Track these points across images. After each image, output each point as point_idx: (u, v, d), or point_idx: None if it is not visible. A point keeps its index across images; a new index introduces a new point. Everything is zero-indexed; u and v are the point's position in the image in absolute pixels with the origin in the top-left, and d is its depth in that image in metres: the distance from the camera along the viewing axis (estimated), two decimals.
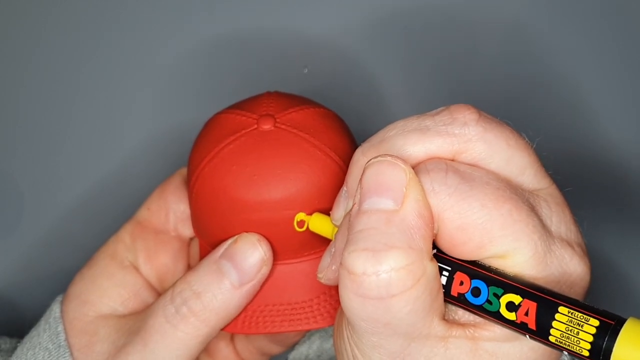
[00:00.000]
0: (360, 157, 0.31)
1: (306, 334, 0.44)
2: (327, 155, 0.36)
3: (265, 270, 0.36)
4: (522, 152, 0.30)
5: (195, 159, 0.38)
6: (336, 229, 0.33)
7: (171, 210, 0.41)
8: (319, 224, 0.35)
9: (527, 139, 0.30)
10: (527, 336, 0.27)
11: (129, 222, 0.42)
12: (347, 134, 0.39)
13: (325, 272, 0.32)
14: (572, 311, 0.26)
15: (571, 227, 0.30)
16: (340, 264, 0.28)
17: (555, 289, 0.28)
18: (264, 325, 0.37)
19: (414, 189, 0.28)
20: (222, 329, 0.37)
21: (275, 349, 0.44)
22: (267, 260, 0.36)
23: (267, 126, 0.37)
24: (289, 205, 0.36)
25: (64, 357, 0.37)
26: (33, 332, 0.39)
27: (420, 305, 0.27)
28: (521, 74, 0.48)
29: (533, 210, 0.29)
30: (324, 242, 0.36)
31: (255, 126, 0.37)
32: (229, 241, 0.36)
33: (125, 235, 0.41)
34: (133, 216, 0.42)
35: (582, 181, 0.47)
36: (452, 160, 0.30)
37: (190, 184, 0.38)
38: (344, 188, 0.33)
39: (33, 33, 0.48)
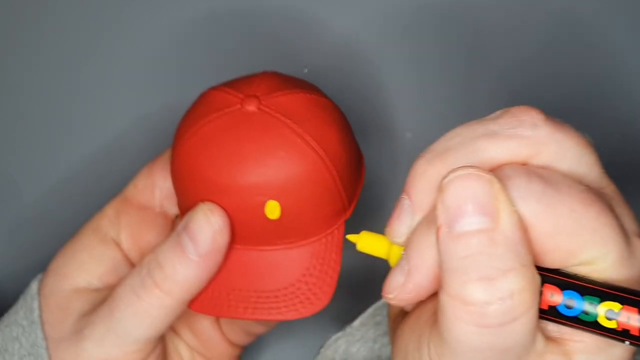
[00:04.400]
0: (427, 168, 0.29)
1: (332, 338, 0.42)
2: (307, 145, 0.35)
3: (220, 241, 0.35)
4: (589, 150, 0.29)
5: (177, 133, 0.37)
6: (393, 248, 0.31)
7: (157, 187, 0.41)
8: (369, 243, 0.33)
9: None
10: (627, 342, 0.26)
11: (116, 198, 0.41)
12: (338, 125, 0.37)
13: (399, 292, 0.30)
14: None
15: (637, 222, 0.29)
16: (447, 294, 0.26)
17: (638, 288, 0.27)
18: (227, 309, 0.36)
19: (504, 199, 0.26)
20: (190, 307, 0.36)
21: (259, 329, 0.43)
22: (220, 230, 0.35)
23: (250, 107, 0.35)
24: (261, 192, 0.35)
25: (35, 333, 0.37)
26: (12, 310, 0.39)
27: (535, 320, 0.27)
28: (533, 79, 0.48)
29: (613, 210, 0.28)
30: (300, 233, 0.36)
31: (239, 106, 0.36)
32: (190, 212, 0.36)
33: (110, 210, 0.41)
34: (120, 192, 0.41)
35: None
36: (525, 164, 0.28)
37: (171, 160, 0.37)
38: (407, 201, 0.30)
39: (20, 19, 0.48)
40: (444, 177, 0.27)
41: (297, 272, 0.36)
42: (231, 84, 0.37)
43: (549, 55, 0.48)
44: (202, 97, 0.38)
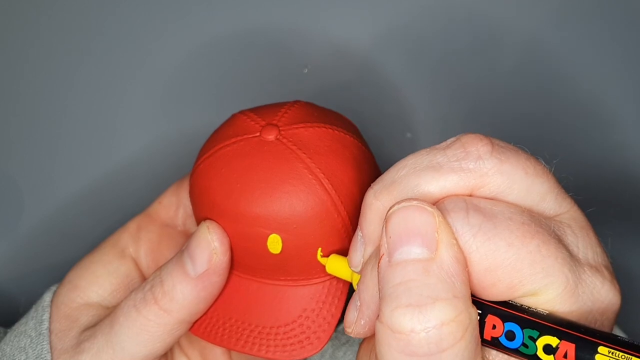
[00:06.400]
0: (373, 201, 0.30)
1: None
2: (318, 181, 0.34)
3: (216, 260, 0.34)
4: (541, 179, 0.28)
5: (199, 152, 0.37)
6: (355, 274, 0.32)
7: (182, 206, 0.41)
8: (336, 266, 0.34)
9: (544, 163, 0.29)
10: None
11: (140, 214, 0.41)
12: (356, 164, 0.36)
13: (354, 327, 0.31)
14: (612, 350, 0.25)
15: (597, 250, 0.28)
16: (380, 321, 0.26)
17: (588, 318, 0.27)
18: (221, 338, 0.36)
19: (445, 232, 0.26)
20: (190, 330, 0.36)
21: None
22: (216, 249, 0.34)
23: (269, 137, 0.35)
24: (264, 224, 0.34)
25: (42, 345, 0.37)
26: (23, 320, 0.39)
27: (468, 354, 0.26)
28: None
29: (560, 241, 0.27)
30: (303, 271, 0.35)
31: (258, 134, 0.35)
32: (194, 231, 0.36)
33: (132, 225, 0.41)
34: (146, 209, 0.42)
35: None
36: (470, 195, 0.28)
37: (189, 178, 0.38)
38: (359, 233, 0.31)
39: (34, 33, 0.47)
40: (390, 208, 0.27)
41: (294, 313, 0.35)
42: (258, 110, 0.37)
43: (548, 57, 0.47)
44: (229, 120, 0.37)
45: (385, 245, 0.27)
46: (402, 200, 0.27)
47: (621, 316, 0.28)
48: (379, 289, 0.27)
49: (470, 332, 0.26)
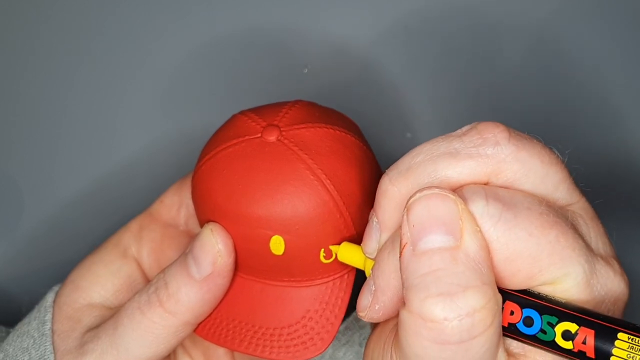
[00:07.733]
0: (389, 187, 0.30)
1: None
2: (319, 181, 0.34)
3: (221, 263, 0.34)
4: (556, 168, 0.29)
5: (201, 154, 0.37)
6: (368, 260, 0.32)
7: (184, 205, 0.41)
8: (348, 254, 0.34)
9: (557, 153, 0.29)
10: None
11: (141, 214, 0.41)
12: (358, 164, 0.35)
13: (368, 312, 0.31)
14: (632, 337, 0.25)
15: (605, 240, 0.29)
16: (408, 310, 0.26)
17: (602, 307, 0.27)
18: (225, 339, 0.36)
19: (468, 220, 0.26)
20: (195, 331, 0.37)
21: None
22: (220, 252, 0.34)
23: (270, 137, 0.35)
24: (266, 225, 0.34)
25: (45, 346, 0.37)
26: (25, 320, 0.39)
27: (495, 339, 0.26)
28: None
29: (576, 231, 0.28)
30: (306, 272, 0.35)
31: (259, 135, 0.35)
32: (197, 233, 0.36)
33: (134, 225, 0.41)
34: (147, 208, 0.41)
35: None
36: (487, 183, 0.28)
37: (191, 180, 0.37)
38: (374, 219, 0.31)
39: (34, 33, 0.47)
40: (410, 197, 0.27)
41: (297, 314, 0.35)
42: (259, 110, 0.37)
43: (547, 56, 0.47)
44: (229, 121, 0.37)
45: (408, 234, 0.27)
46: (424, 189, 0.27)
47: (626, 312, 0.29)
48: (402, 278, 0.27)
49: (497, 318, 0.26)
